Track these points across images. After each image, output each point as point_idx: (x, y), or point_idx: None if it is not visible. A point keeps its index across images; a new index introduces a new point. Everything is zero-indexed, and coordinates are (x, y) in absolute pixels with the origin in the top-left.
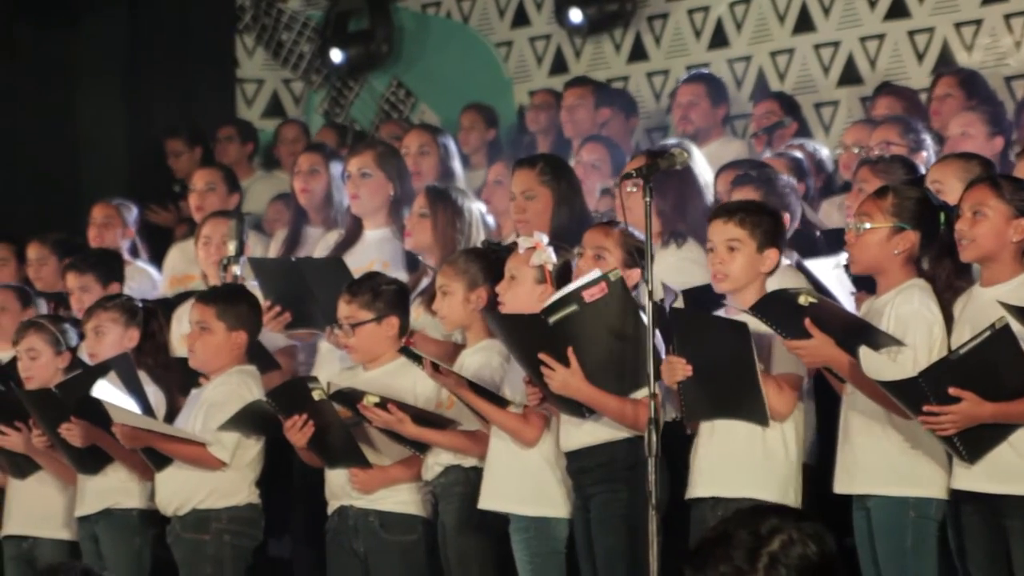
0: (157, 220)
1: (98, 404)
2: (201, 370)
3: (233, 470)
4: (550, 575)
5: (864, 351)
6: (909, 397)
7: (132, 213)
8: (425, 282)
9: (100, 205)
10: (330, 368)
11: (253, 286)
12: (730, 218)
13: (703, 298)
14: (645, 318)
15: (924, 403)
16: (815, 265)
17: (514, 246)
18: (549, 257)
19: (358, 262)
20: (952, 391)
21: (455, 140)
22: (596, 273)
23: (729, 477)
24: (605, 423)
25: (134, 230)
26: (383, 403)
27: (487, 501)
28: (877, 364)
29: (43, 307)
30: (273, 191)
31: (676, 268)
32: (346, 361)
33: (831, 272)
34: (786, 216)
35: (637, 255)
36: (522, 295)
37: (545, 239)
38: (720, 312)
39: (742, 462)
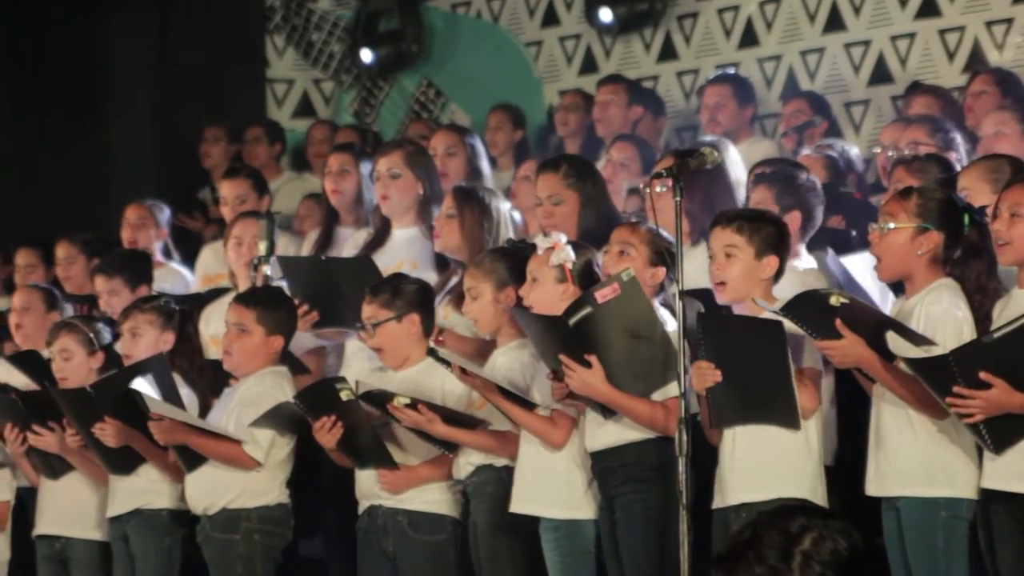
0: (186, 226)
1: (132, 405)
2: (235, 372)
3: (264, 470)
4: (580, 575)
5: (892, 335)
6: (938, 378)
7: (165, 214)
8: (455, 280)
9: (134, 206)
10: (358, 368)
11: (282, 286)
12: (727, 225)
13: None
14: (668, 317)
15: (953, 385)
16: (851, 261)
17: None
18: (568, 256)
19: (387, 262)
20: (984, 376)
21: (483, 140)
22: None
23: (755, 481)
24: (629, 424)
25: (167, 231)
26: (413, 404)
27: (518, 504)
28: (906, 344)
29: (69, 310)
30: (301, 193)
31: (705, 268)
32: (374, 361)
33: (866, 268)
34: (795, 215)
35: (668, 255)
36: (545, 296)
37: (563, 238)
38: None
39: (767, 466)
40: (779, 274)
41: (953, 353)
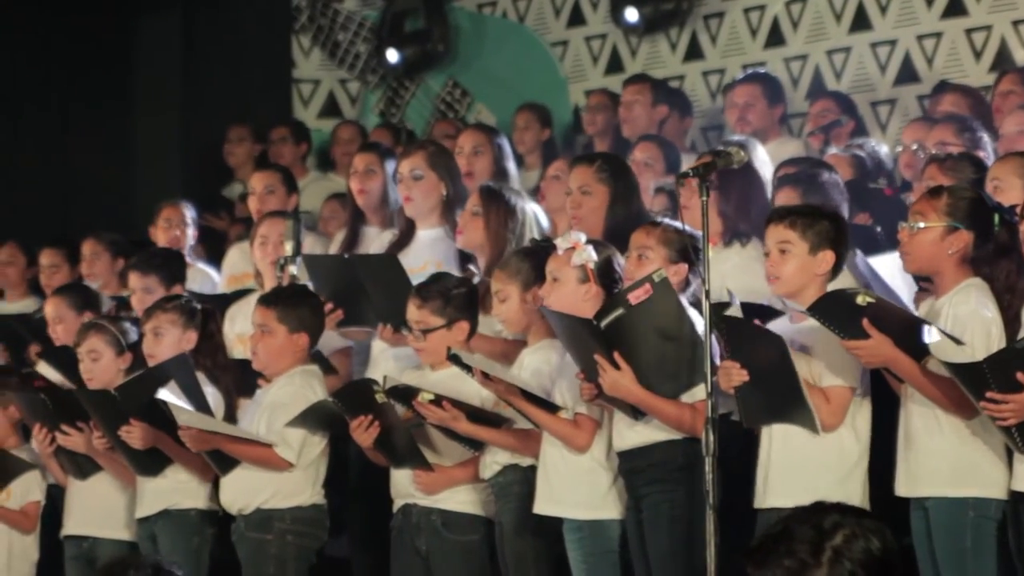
0: (212, 225)
1: (158, 406)
2: (264, 372)
3: (297, 470)
4: (604, 575)
5: (930, 331)
6: (973, 383)
7: (193, 215)
8: (474, 281)
9: (167, 206)
10: (384, 368)
11: (308, 285)
12: (781, 221)
13: (761, 310)
14: (697, 317)
15: (987, 390)
16: (879, 262)
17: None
18: (589, 256)
19: (411, 263)
20: (1020, 376)
21: (510, 140)
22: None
23: (794, 486)
24: (657, 424)
25: (196, 232)
26: (438, 400)
27: (541, 506)
28: (945, 346)
29: (106, 301)
30: (326, 193)
31: (740, 268)
32: (401, 361)
33: (894, 268)
34: None
35: (692, 252)
36: (566, 296)
37: (583, 238)
38: (783, 318)
39: (804, 470)
40: (837, 269)
41: (988, 360)
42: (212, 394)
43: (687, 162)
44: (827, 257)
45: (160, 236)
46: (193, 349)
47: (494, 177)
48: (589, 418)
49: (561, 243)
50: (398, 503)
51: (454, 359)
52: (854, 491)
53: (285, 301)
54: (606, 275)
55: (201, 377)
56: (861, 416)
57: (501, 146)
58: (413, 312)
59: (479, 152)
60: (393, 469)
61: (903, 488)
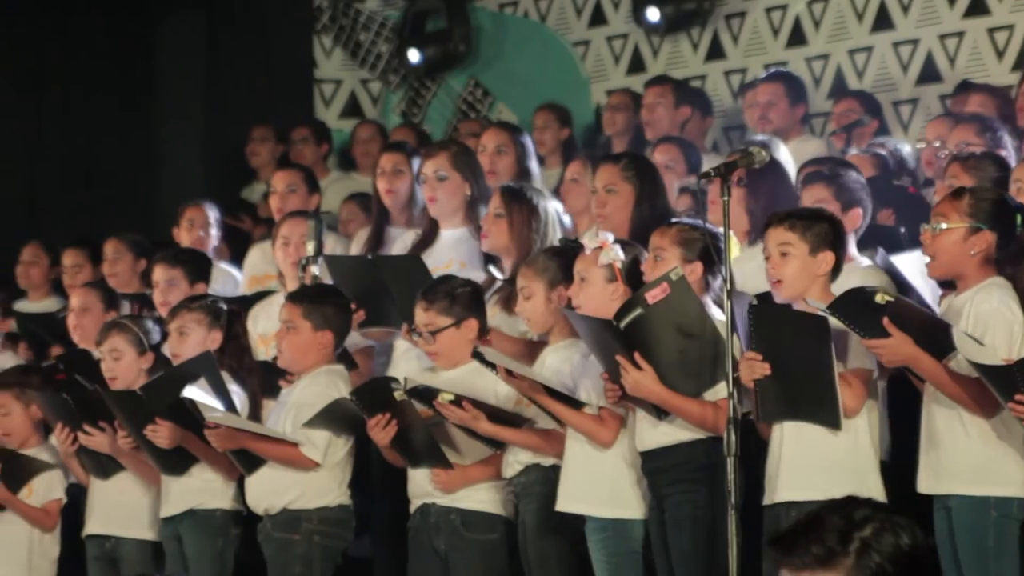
0: (234, 225)
1: (184, 405)
2: (289, 369)
3: (323, 470)
4: (627, 575)
5: (958, 332)
6: (1003, 384)
7: (217, 215)
8: (496, 285)
9: (190, 207)
10: (406, 368)
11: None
12: (780, 223)
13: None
14: (718, 314)
15: (1016, 392)
16: (901, 260)
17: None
18: (617, 255)
19: (435, 262)
20: None
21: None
22: (676, 270)
23: (805, 480)
24: (680, 423)
25: (219, 233)
26: (458, 400)
27: (564, 503)
28: (973, 346)
29: (126, 308)
30: (348, 192)
31: (763, 267)
32: (423, 361)
33: (917, 266)
34: (857, 212)
35: (714, 251)
36: (594, 296)
37: (611, 237)
38: None
39: (817, 464)
40: (836, 270)
41: (1019, 363)
42: (237, 393)
43: (708, 163)
44: (827, 258)
45: (184, 237)
46: (218, 350)
47: (517, 176)
48: (613, 413)
49: (588, 243)
50: (415, 503)
51: (477, 356)
52: (870, 489)
53: (311, 298)
54: (633, 274)
55: (226, 377)
56: (874, 415)
57: (524, 145)
58: (420, 315)
59: (502, 151)
60: (410, 469)
61: (925, 486)
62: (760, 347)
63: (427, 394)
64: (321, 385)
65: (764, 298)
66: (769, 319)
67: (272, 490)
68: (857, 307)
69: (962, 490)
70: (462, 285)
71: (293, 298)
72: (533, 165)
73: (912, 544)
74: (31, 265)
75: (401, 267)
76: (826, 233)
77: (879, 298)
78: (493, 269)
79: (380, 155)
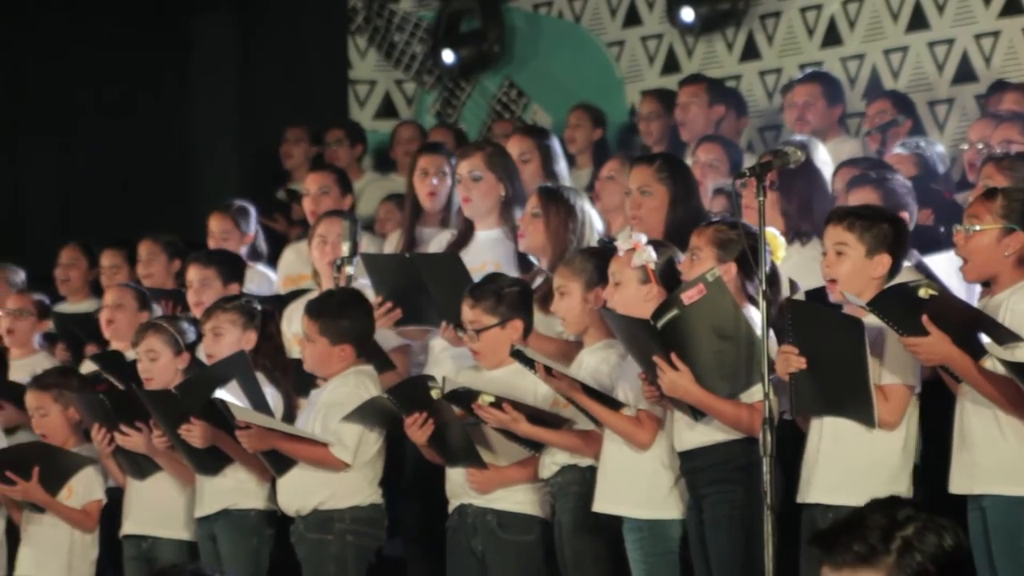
0: (268, 226)
1: (218, 404)
2: (315, 374)
3: (354, 470)
4: (663, 575)
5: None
6: None
7: (250, 217)
8: (538, 282)
9: (216, 216)
10: (443, 367)
11: (364, 285)
12: (839, 222)
13: (824, 300)
14: (755, 314)
15: None
16: (934, 261)
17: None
18: (650, 256)
19: (470, 263)
20: None
21: (562, 141)
22: (713, 271)
23: (840, 483)
24: (718, 424)
25: (252, 234)
26: (498, 403)
27: (601, 504)
28: (1003, 348)
29: (157, 311)
30: (384, 194)
31: (801, 267)
32: (460, 360)
33: (951, 268)
34: (904, 215)
35: (750, 251)
36: (628, 297)
37: (644, 238)
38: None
39: (852, 467)
40: (893, 273)
41: None
42: (272, 395)
43: (747, 162)
44: (883, 260)
45: (212, 246)
46: (253, 349)
47: (544, 181)
48: (651, 415)
49: (622, 244)
50: (453, 503)
51: (517, 355)
52: (902, 490)
53: (327, 314)
54: (668, 275)
55: (261, 378)
56: (912, 421)
57: (549, 148)
58: (467, 312)
59: (525, 160)
60: (448, 468)
61: (958, 486)
62: (797, 341)
63: (466, 397)
64: (350, 386)
65: (812, 295)
66: (808, 316)
67: (303, 491)
68: (897, 304)
69: (997, 490)
70: (510, 285)
71: (309, 311)
72: (560, 168)
73: (955, 545)
74: (70, 267)
75: (439, 265)
76: (885, 235)
77: (923, 292)
78: (537, 264)
79: (417, 156)
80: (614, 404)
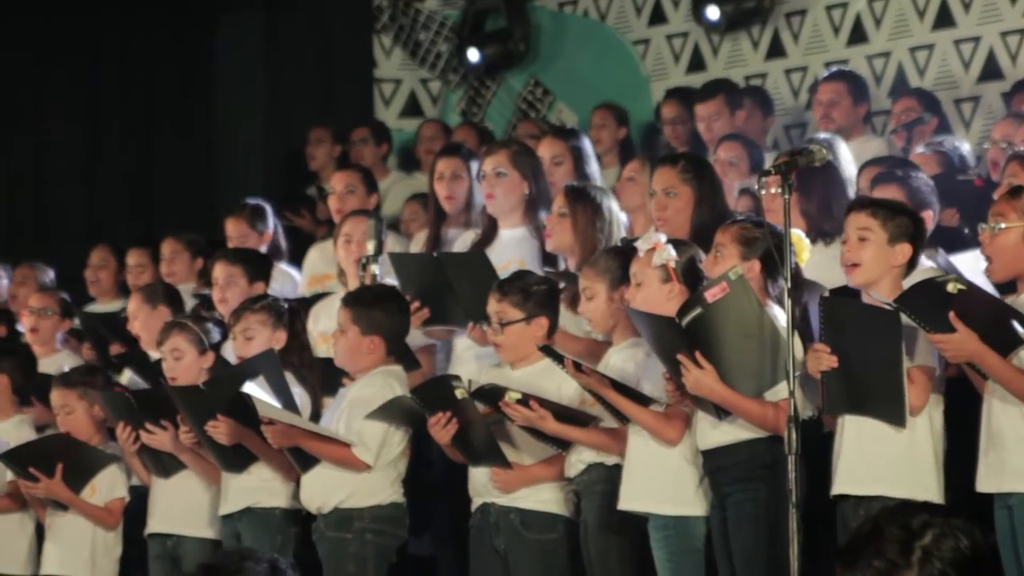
0: (293, 223)
1: (244, 403)
2: (344, 369)
3: (376, 469)
4: (689, 573)
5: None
6: None
7: (266, 215)
8: (561, 284)
9: (231, 220)
10: (467, 367)
11: (390, 284)
12: (863, 209)
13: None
14: (779, 313)
15: None
16: (959, 260)
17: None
18: (670, 255)
19: (495, 261)
20: None
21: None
22: (736, 269)
23: (869, 475)
24: (741, 422)
25: (270, 231)
26: (525, 400)
27: (626, 501)
28: None
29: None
30: (409, 193)
31: (823, 267)
32: (482, 360)
33: (976, 266)
34: (928, 215)
35: (775, 250)
36: (650, 297)
37: (663, 238)
38: None
39: (882, 460)
40: (912, 265)
41: None
42: (299, 394)
43: (770, 161)
44: (904, 250)
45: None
46: (282, 349)
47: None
48: (679, 411)
49: (641, 245)
50: (476, 502)
51: (546, 350)
52: (929, 487)
53: (360, 303)
54: (689, 274)
55: (289, 377)
56: (937, 412)
57: (580, 150)
58: (493, 305)
59: (558, 163)
60: (471, 467)
61: (985, 484)
62: (829, 340)
63: (493, 394)
64: (377, 386)
65: (837, 292)
66: (840, 313)
67: (324, 489)
68: (924, 301)
69: (1023, 488)
70: (538, 283)
71: (346, 301)
72: (592, 168)
73: (972, 546)
74: (100, 268)
75: (466, 264)
76: (907, 226)
77: (951, 287)
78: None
79: (436, 159)
80: (643, 400)
